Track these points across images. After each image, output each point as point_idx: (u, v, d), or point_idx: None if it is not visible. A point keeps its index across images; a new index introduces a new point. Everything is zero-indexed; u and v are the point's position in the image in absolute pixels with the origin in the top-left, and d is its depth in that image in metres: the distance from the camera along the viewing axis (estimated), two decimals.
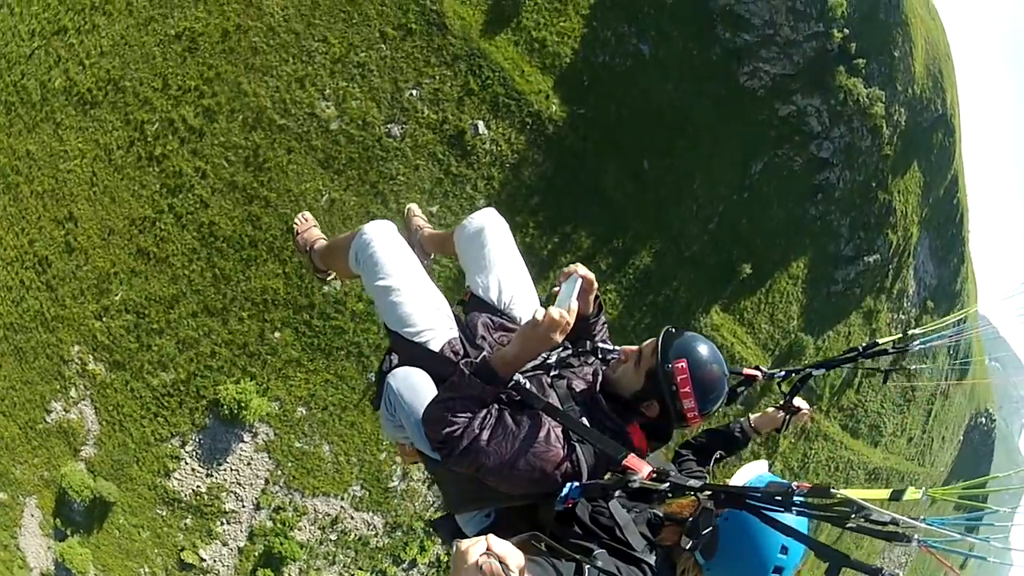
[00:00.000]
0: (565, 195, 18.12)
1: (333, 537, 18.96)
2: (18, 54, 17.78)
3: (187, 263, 17.21)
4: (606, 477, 2.05)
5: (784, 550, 1.85)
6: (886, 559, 29.77)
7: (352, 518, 18.97)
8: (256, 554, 18.70)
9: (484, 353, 2.17)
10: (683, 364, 2.04)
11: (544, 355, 2.30)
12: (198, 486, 18.28)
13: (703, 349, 2.09)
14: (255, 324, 17.40)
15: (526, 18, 17.53)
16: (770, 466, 2.20)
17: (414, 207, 3.53)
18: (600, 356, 2.44)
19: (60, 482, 18.14)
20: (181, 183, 17.00)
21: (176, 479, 18.25)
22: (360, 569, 19.30)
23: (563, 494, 1.99)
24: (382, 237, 2.48)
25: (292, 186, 16.92)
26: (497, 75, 17.36)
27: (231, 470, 18.25)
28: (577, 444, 2.03)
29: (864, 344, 3.24)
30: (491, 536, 1.39)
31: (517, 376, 2.09)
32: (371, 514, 19.04)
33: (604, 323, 2.58)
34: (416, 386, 2.28)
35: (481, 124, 17.33)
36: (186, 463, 18.19)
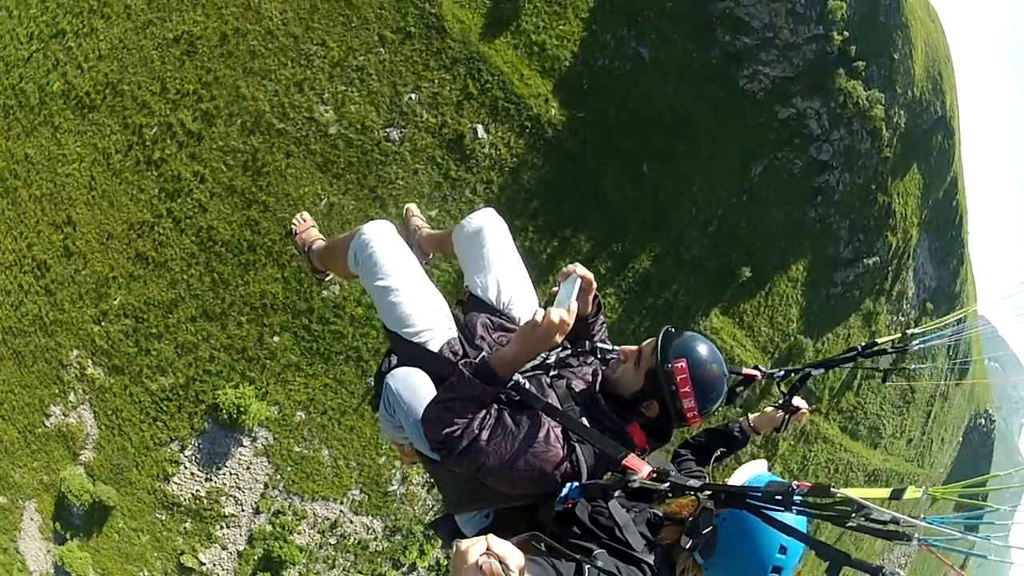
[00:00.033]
0: (564, 199, 18.11)
1: (332, 541, 18.96)
2: (16, 57, 17.73)
3: (186, 267, 17.18)
4: (606, 477, 2.04)
5: (783, 550, 1.84)
6: (885, 560, 29.81)
7: (351, 522, 18.96)
8: (255, 558, 18.70)
9: (483, 353, 2.17)
10: (683, 364, 2.05)
11: (543, 355, 2.30)
12: (197, 490, 18.27)
13: (703, 349, 2.10)
14: (254, 328, 17.38)
15: (525, 21, 17.51)
16: (769, 468, 2.20)
17: (412, 207, 3.52)
18: (599, 356, 2.44)
19: (59, 486, 18.12)
20: (179, 187, 16.97)
21: (175, 483, 18.24)
22: (359, 573, 19.31)
23: (563, 494, 1.99)
24: (381, 237, 2.48)
25: (291, 190, 16.89)
26: (496, 79, 17.34)
27: (230, 474, 18.24)
28: (577, 444, 2.03)
29: (863, 344, 3.24)
30: (491, 536, 1.39)
31: (516, 376, 2.08)
32: (370, 518, 19.04)
33: (603, 323, 2.58)
34: (415, 386, 2.27)
35: (480, 128, 17.31)
36: (185, 467, 18.18)
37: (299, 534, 18.67)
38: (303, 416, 18.09)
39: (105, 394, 17.89)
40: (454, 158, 17.41)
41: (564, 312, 1.98)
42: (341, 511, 18.79)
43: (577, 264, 2.26)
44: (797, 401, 3.19)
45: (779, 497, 1.64)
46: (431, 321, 2.38)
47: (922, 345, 3.43)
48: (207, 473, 18.17)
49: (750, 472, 2.08)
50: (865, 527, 1.51)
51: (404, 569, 19.72)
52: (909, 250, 25.00)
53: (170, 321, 17.35)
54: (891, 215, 23.14)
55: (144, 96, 16.96)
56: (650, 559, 1.96)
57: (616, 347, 2.41)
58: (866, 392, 26.42)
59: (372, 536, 19.19)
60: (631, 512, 2.08)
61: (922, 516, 1.50)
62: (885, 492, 1.62)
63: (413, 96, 17.12)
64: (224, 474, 18.22)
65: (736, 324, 21.14)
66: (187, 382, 17.62)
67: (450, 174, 17.41)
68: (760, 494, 1.70)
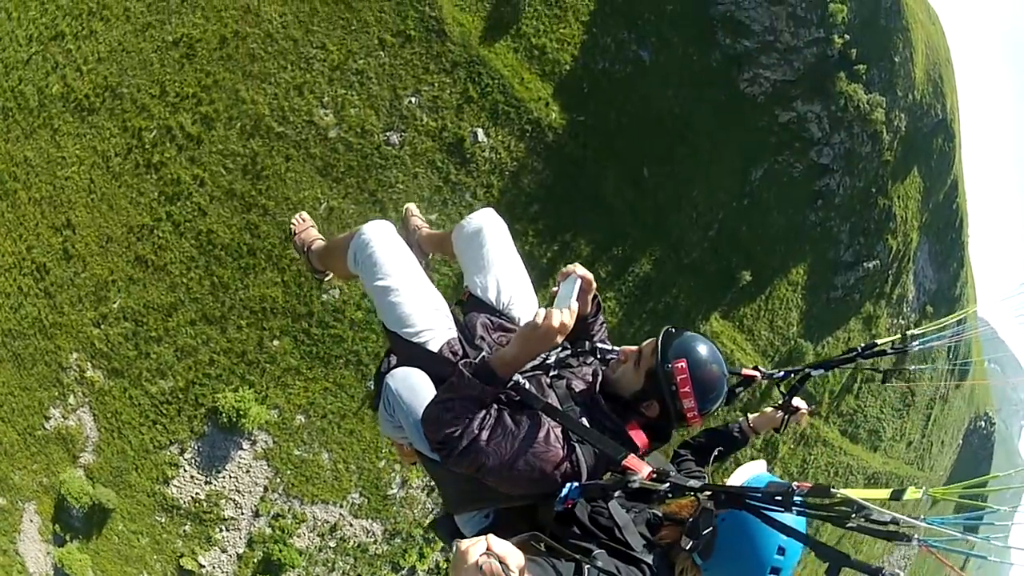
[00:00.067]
0: (565, 203, 18.09)
1: (332, 544, 18.96)
2: (16, 59, 17.69)
3: (185, 271, 17.17)
4: (606, 477, 2.04)
5: (781, 551, 1.84)
6: (885, 562, 29.83)
7: (351, 525, 18.97)
8: (255, 561, 18.70)
9: (483, 353, 2.15)
10: (683, 364, 2.05)
11: (543, 355, 2.30)
12: (197, 493, 18.27)
13: (703, 349, 2.10)
14: (254, 332, 17.37)
15: (526, 25, 17.47)
16: (769, 471, 2.19)
17: (412, 207, 3.52)
18: (599, 356, 2.43)
19: (59, 488, 18.12)
20: (179, 191, 16.94)
21: (175, 486, 18.24)
22: None
23: (563, 494, 1.99)
24: (381, 237, 2.47)
25: (290, 194, 16.87)
26: (496, 82, 17.30)
27: (230, 477, 18.24)
28: (577, 444, 2.03)
29: (863, 345, 3.23)
30: (491, 536, 1.39)
31: (516, 376, 2.07)
32: (370, 521, 19.05)
33: (603, 323, 2.57)
34: (415, 387, 2.27)
35: (480, 132, 17.28)
36: (185, 470, 18.18)
37: (299, 537, 18.68)
38: (303, 420, 18.08)
39: (105, 397, 17.88)
40: (454, 162, 17.39)
41: (565, 313, 1.97)
42: (341, 514, 18.80)
43: (576, 264, 2.25)
44: (796, 401, 3.19)
45: (779, 498, 1.64)
46: (431, 321, 2.38)
47: (922, 346, 3.43)
48: (207, 476, 18.17)
49: (749, 472, 2.07)
50: (865, 528, 1.50)
51: (403, 572, 19.73)
52: (909, 253, 24.99)
53: (170, 325, 17.34)
54: (891, 218, 23.13)
55: (143, 99, 16.93)
56: (649, 559, 1.96)
57: (616, 347, 2.41)
58: (866, 395, 26.43)
59: (372, 539, 19.20)
60: (631, 512, 2.08)
61: (922, 517, 1.50)
62: (885, 493, 1.62)
63: (413, 100, 17.09)
64: (224, 477, 18.22)
65: (736, 328, 21.14)
66: (187, 385, 17.61)
67: (450, 178, 17.39)
68: (760, 494, 1.70)
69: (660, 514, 2.10)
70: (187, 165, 16.89)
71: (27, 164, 17.54)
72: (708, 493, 1.83)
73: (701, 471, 2.76)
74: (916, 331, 3.42)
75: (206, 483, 18.19)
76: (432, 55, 17.01)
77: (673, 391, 2.05)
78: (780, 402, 3.20)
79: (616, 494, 1.98)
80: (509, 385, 2.05)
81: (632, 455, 1.92)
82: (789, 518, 1.70)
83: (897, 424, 29.05)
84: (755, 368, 3.12)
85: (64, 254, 17.53)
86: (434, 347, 2.34)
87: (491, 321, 2.51)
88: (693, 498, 1.93)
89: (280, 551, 18.42)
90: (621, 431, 2.12)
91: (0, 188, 17.69)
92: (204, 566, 18.66)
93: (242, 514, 18.50)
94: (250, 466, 18.21)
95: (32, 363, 17.96)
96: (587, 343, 2.46)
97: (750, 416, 3.16)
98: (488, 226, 2.65)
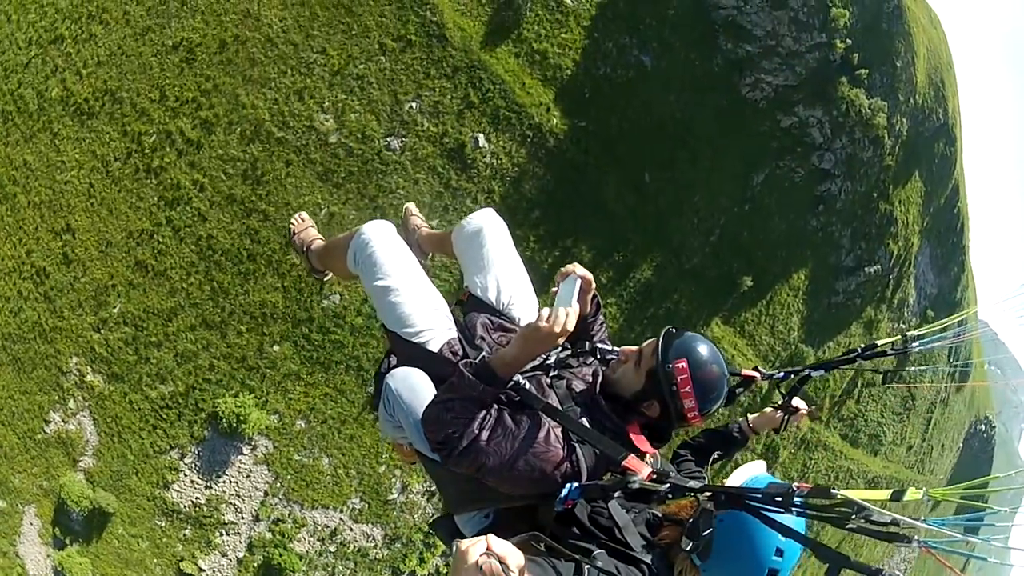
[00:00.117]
0: (566, 208, 18.06)
1: (332, 549, 18.97)
2: (15, 62, 17.63)
3: (185, 276, 17.14)
4: (605, 478, 2.04)
5: (779, 552, 1.83)
6: (885, 565, 29.82)
7: (351, 530, 18.98)
8: (255, 565, 18.71)
9: (484, 354, 2.15)
10: (683, 364, 2.05)
11: (543, 356, 2.30)
12: (197, 497, 18.27)
13: (703, 349, 2.10)
14: (254, 338, 17.35)
15: (527, 30, 17.42)
16: (771, 474, 2.20)
17: (411, 206, 3.53)
18: (599, 356, 2.43)
19: (59, 492, 18.12)
20: (179, 196, 16.91)
21: (175, 490, 18.24)
22: None
23: (563, 495, 1.99)
24: (381, 237, 2.47)
25: (291, 199, 16.83)
26: (498, 87, 17.25)
27: (230, 482, 18.24)
28: (577, 444, 2.03)
29: (863, 346, 3.23)
30: (491, 536, 1.39)
31: (516, 377, 2.08)
32: (370, 526, 19.05)
33: (602, 323, 2.57)
34: (415, 387, 2.26)
35: (481, 137, 17.24)
36: (185, 475, 18.18)
37: (299, 542, 18.68)
38: (303, 425, 18.08)
39: (105, 401, 17.87)
40: (455, 167, 17.35)
41: (565, 313, 1.97)
42: (341, 519, 18.80)
43: (576, 264, 2.24)
44: (796, 402, 3.19)
45: (779, 498, 1.64)
46: (431, 321, 2.38)
47: (922, 347, 3.42)
48: (207, 481, 18.17)
49: (749, 473, 2.06)
50: (865, 529, 1.50)
51: None
52: (910, 258, 24.98)
53: (170, 329, 17.32)
54: (893, 223, 23.11)
55: (143, 103, 16.88)
56: (648, 559, 1.96)
57: (616, 348, 2.41)
58: (867, 400, 26.43)
59: (372, 544, 19.21)
60: (630, 513, 2.09)
61: (922, 519, 1.50)
62: (885, 494, 1.63)
63: (414, 105, 17.04)
64: (224, 482, 18.22)
65: (737, 333, 21.13)
66: (187, 390, 17.60)
67: (451, 184, 17.35)
68: (760, 495, 1.69)
69: (660, 514, 2.10)
70: (187, 170, 16.85)
71: (26, 168, 17.49)
72: (708, 494, 1.83)
73: (701, 471, 2.76)
74: (916, 332, 3.43)
75: (206, 487, 18.19)
76: (433, 60, 16.96)
77: (674, 391, 2.06)
78: (780, 402, 3.20)
79: (616, 494, 1.98)
80: (509, 385, 2.05)
81: (632, 455, 1.93)
82: (789, 519, 1.70)
83: (898, 428, 29.06)
84: (755, 369, 3.12)
85: (64, 258, 17.50)
86: (434, 347, 2.34)
87: (491, 321, 2.51)
88: (693, 499, 1.93)
89: (280, 555, 18.43)
90: (621, 431, 2.12)
91: (0, 192, 17.66)
92: (204, 570, 18.67)
93: (242, 518, 18.51)
94: (250, 471, 18.21)
95: (32, 367, 17.95)
96: (587, 343, 2.45)
97: (750, 416, 3.17)
98: (488, 226, 2.65)
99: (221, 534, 18.53)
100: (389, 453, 18.29)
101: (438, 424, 1.99)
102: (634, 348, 2.22)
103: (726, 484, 1.95)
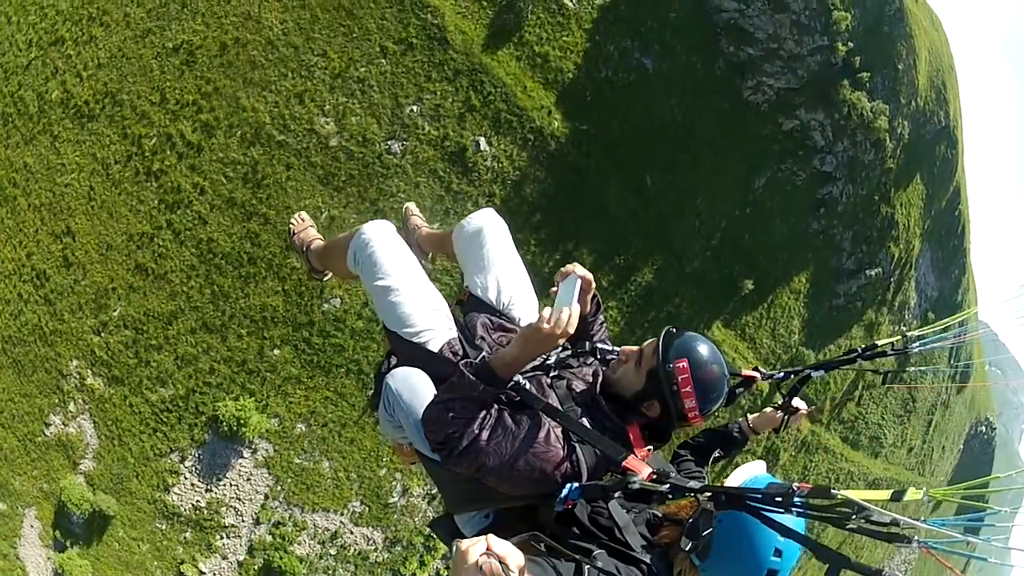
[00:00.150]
0: (567, 212, 18.04)
1: (332, 552, 18.96)
2: (15, 64, 17.60)
3: (185, 279, 17.12)
4: (606, 478, 2.04)
5: (778, 553, 1.83)
6: (886, 566, 29.84)
7: (352, 533, 18.97)
8: (255, 568, 18.71)
9: (484, 354, 2.15)
10: (684, 364, 2.05)
11: (543, 356, 2.30)
12: (197, 501, 18.26)
13: (704, 349, 2.10)
14: (254, 341, 17.33)
15: (528, 33, 17.38)
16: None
17: (411, 206, 3.51)
18: (599, 357, 2.43)
19: (59, 495, 18.11)
20: (179, 199, 16.88)
21: (175, 493, 18.23)
22: None
23: (563, 495, 1.99)
24: (381, 237, 2.48)
25: (291, 203, 16.81)
26: (499, 90, 17.22)
27: (231, 485, 18.23)
28: (577, 445, 2.04)
29: (863, 346, 3.22)
30: (491, 536, 1.39)
31: (517, 377, 2.08)
32: (371, 529, 19.04)
33: (603, 323, 2.57)
34: (415, 387, 2.26)
35: (483, 140, 17.20)
36: (185, 478, 18.17)
37: (299, 545, 18.67)
38: (303, 428, 18.06)
39: (105, 404, 17.85)
40: (456, 171, 17.32)
41: (567, 314, 1.96)
42: (341, 522, 18.80)
43: (576, 264, 2.24)
44: (796, 402, 3.19)
45: (780, 499, 1.64)
46: (431, 321, 2.38)
47: (922, 348, 3.42)
48: (207, 484, 18.16)
49: (748, 473, 2.06)
50: (865, 529, 1.50)
51: None
52: (911, 260, 24.96)
53: (170, 333, 17.30)
54: (894, 226, 23.08)
55: (143, 106, 16.85)
56: (648, 559, 1.96)
57: (616, 348, 2.41)
58: (867, 402, 26.42)
59: (372, 547, 19.20)
60: (630, 513, 2.09)
61: (922, 518, 1.49)
62: (886, 494, 1.63)
63: (415, 108, 17.01)
64: (224, 485, 18.21)
65: (738, 336, 21.11)
66: (187, 394, 17.59)
67: (452, 187, 17.32)
68: (760, 495, 1.69)
69: (660, 514, 2.11)
70: (187, 173, 16.83)
71: (27, 170, 17.46)
72: (708, 494, 1.83)
73: (701, 472, 2.77)
74: (916, 332, 3.42)
75: (207, 491, 18.18)
76: (434, 63, 16.93)
77: (674, 391, 2.06)
78: (780, 403, 3.20)
79: (616, 495, 1.98)
80: (509, 385, 2.05)
81: (632, 456, 1.93)
82: (788, 519, 1.70)
83: (898, 430, 29.05)
84: (755, 369, 3.13)
85: (64, 261, 17.48)
86: (434, 347, 2.34)
87: (491, 321, 2.50)
88: (693, 499, 1.93)
89: (281, 558, 18.43)
90: (622, 432, 2.12)
91: (0, 194, 17.63)
92: (205, 573, 18.67)
93: (243, 521, 18.50)
94: (251, 474, 18.20)
95: (32, 370, 17.93)
96: (587, 343, 2.45)
97: (750, 416, 3.17)
98: (489, 226, 2.64)
99: (221, 537, 18.52)
100: (389, 456, 18.28)
101: (438, 424, 1.99)
102: (634, 348, 2.22)
103: (726, 484, 1.94)
